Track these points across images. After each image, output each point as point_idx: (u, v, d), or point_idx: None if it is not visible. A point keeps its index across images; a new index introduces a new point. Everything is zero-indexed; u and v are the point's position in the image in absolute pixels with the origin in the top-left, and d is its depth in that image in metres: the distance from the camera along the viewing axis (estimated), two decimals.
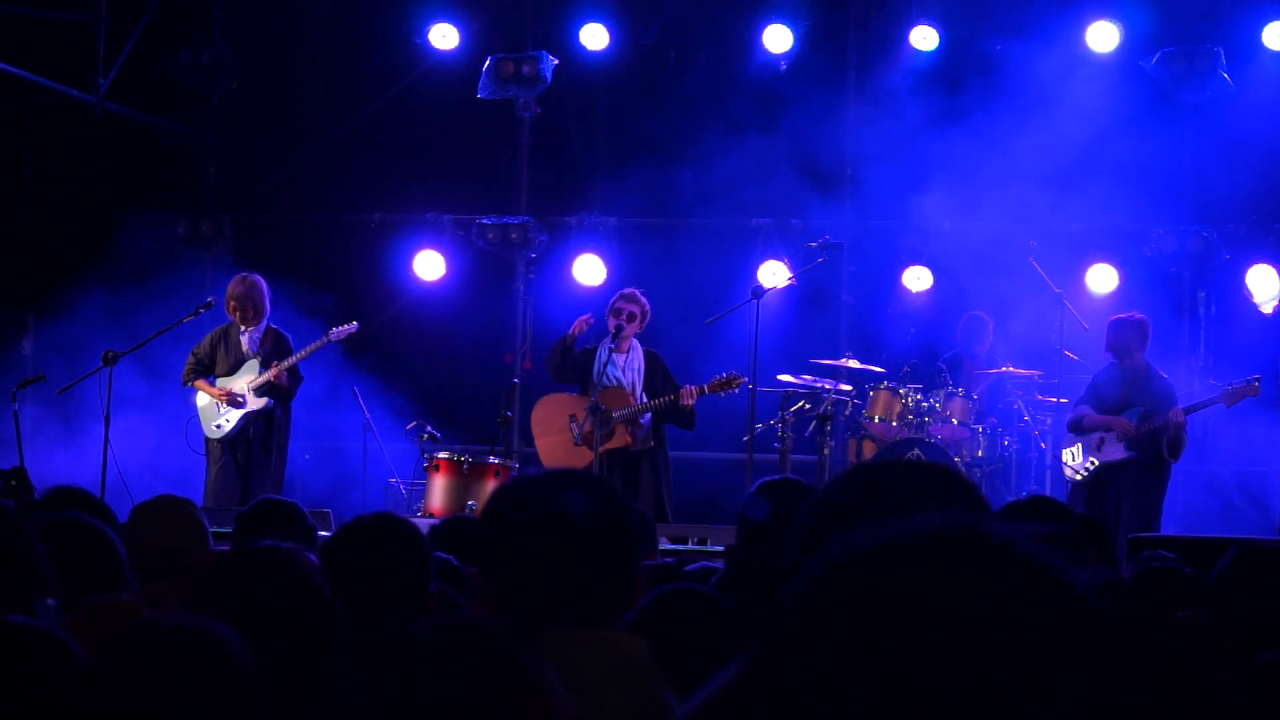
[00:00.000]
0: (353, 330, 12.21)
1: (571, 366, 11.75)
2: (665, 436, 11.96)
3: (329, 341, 12.15)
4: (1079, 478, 11.63)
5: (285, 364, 11.93)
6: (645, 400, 11.63)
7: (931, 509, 2.10)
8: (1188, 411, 11.52)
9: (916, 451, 12.07)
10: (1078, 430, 11.66)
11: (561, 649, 2.63)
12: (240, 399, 11.95)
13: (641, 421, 11.63)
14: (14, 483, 10.18)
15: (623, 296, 11.81)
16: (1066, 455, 11.77)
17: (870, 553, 1.23)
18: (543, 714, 2.19)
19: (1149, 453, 11.39)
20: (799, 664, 1.20)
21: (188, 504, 5.26)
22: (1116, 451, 11.47)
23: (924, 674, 1.15)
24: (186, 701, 2.34)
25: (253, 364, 12.04)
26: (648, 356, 11.84)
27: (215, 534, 9.22)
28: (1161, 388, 11.55)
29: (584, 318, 11.79)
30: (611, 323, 11.63)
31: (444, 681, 2.27)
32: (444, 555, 5.16)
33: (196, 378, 12.19)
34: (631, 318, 11.64)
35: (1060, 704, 1.16)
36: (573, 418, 11.68)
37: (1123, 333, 11.55)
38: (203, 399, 12.15)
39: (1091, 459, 11.58)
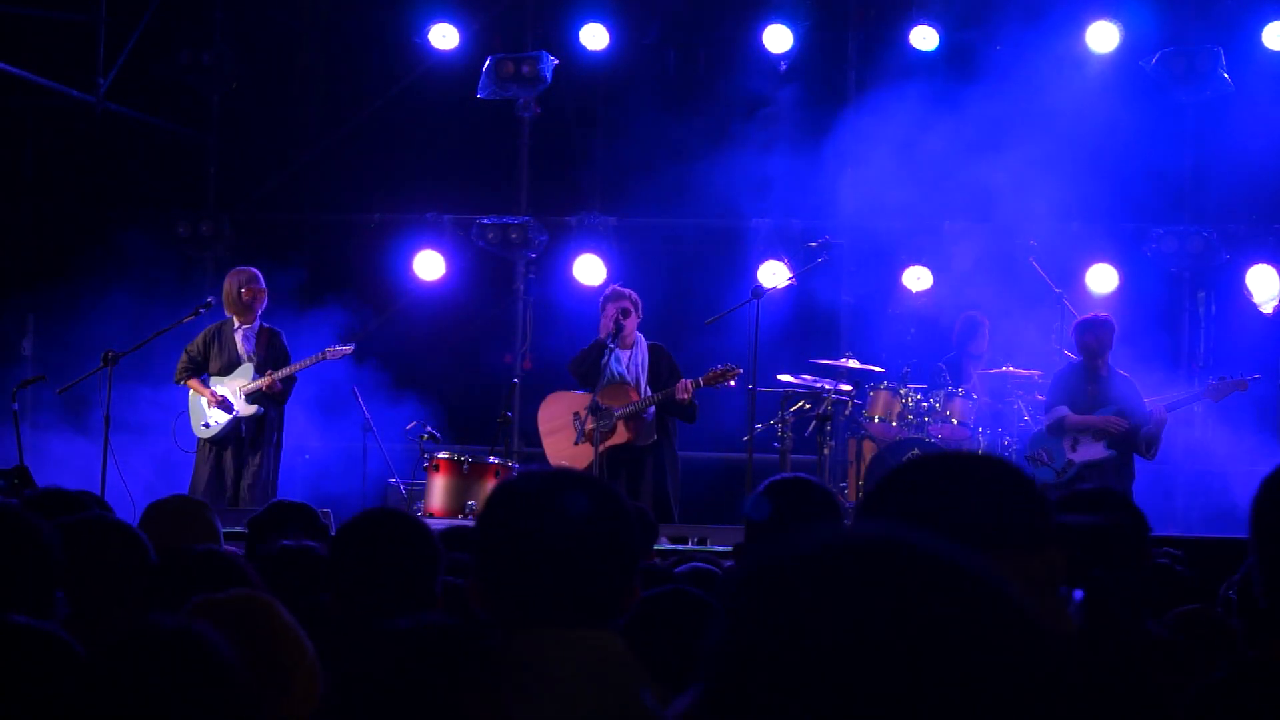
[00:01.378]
0: (348, 352, 12.19)
1: (589, 372, 11.73)
2: (673, 431, 11.92)
3: (324, 359, 12.14)
4: (1055, 479, 11.64)
5: (279, 374, 11.94)
6: (650, 394, 11.63)
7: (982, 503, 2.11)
8: (1171, 409, 11.60)
9: (916, 451, 12.07)
10: (1059, 431, 11.68)
11: (538, 646, 2.63)
12: (230, 405, 11.95)
13: (645, 416, 11.63)
14: (16, 481, 10.18)
15: (610, 297, 11.80)
16: (1039, 455, 11.76)
17: (789, 563, 1.23)
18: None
19: (1126, 450, 11.48)
20: (735, 667, 1.21)
21: (200, 505, 5.27)
22: (1095, 451, 11.51)
23: (849, 684, 1.16)
24: (184, 702, 2.34)
25: (247, 367, 12.04)
26: (652, 350, 11.84)
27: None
28: (1127, 387, 11.63)
29: (614, 324, 11.68)
30: (610, 325, 11.62)
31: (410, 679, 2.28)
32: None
33: (189, 376, 12.18)
34: (626, 313, 11.65)
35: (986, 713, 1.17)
36: (576, 415, 11.68)
37: (1098, 333, 11.57)
38: (194, 397, 12.16)
39: (1069, 459, 11.60)
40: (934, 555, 1.22)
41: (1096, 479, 11.40)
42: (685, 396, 11.49)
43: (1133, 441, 11.47)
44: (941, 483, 2.16)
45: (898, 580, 1.20)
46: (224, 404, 11.96)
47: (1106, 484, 11.20)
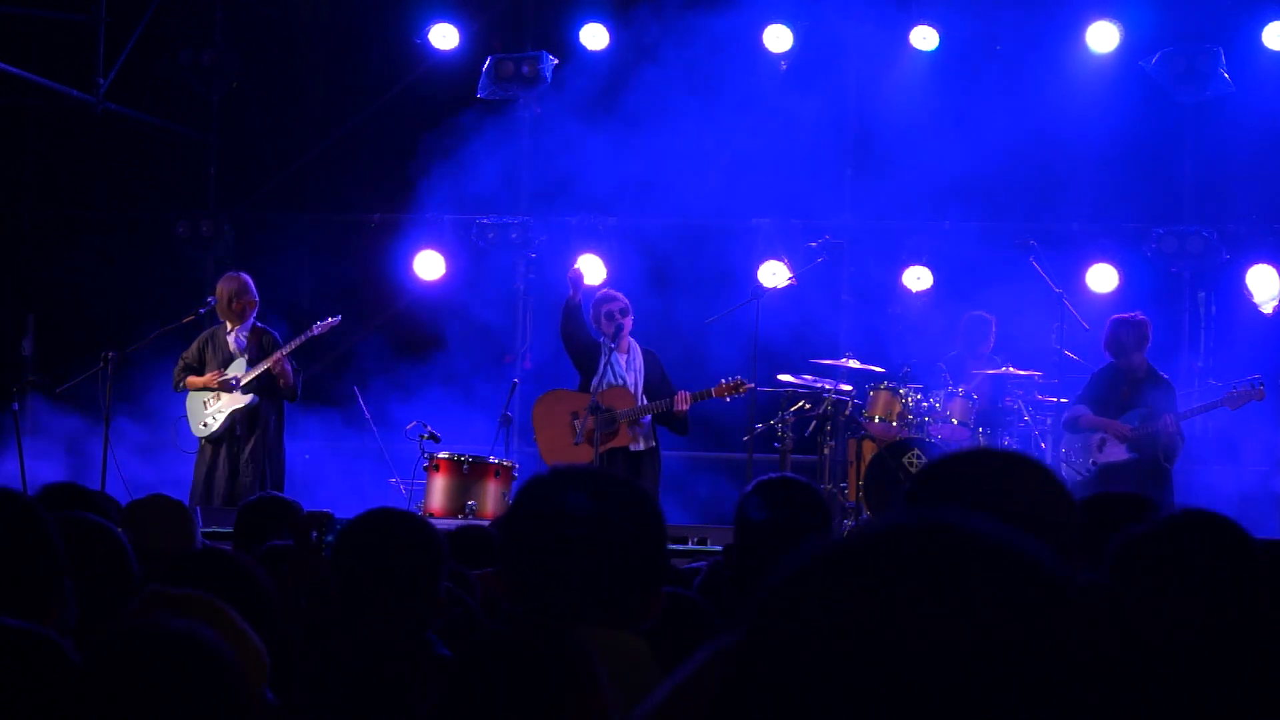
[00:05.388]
0: (335, 323, 12.23)
1: (577, 331, 11.74)
2: (659, 437, 12.00)
3: (313, 335, 12.17)
4: (1079, 478, 11.63)
5: (284, 351, 11.96)
6: (645, 400, 11.67)
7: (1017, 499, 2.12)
8: (1188, 415, 11.56)
9: (916, 451, 12.06)
10: (1074, 430, 11.66)
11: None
12: (233, 381, 11.96)
13: (643, 421, 11.67)
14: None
15: (608, 298, 11.83)
16: (1065, 454, 11.77)
17: (845, 549, 1.22)
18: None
19: (1151, 455, 11.39)
20: (774, 657, 1.19)
21: (178, 504, 5.29)
22: (1118, 453, 11.47)
23: (898, 670, 1.14)
24: (178, 704, 2.34)
25: (240, 363, 12.07)
26: (646, 356, 11.89)
27: (213, 534, 9.24)
28: (1162, 390, 11.54)
29: (574, 272, 11.88)
30: (609, 326, 11.65)
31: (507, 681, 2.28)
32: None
33: (187, 378, 12.19)
34: (625, 313, 11.70)
35: (1041, 699, 1.15)
36: (575, 414, 11.68)
37: (1123, 333, 11.54)
38: (191, 400, 12.16)
39: (1092, 460, 11.57)
40: (994, 541, 1.21)
41: (1118, 481, 11.36)
42: (685, 408, 11.54)
43: (1150, 447, 11.41)
44: (985, 481, 2.17)
45: (960, 568, 1.19)
46: (225, 385, 11.98)
47: (1130, 487, 11.20)
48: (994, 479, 2.22)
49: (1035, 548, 1.21)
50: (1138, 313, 11.87)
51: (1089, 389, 11.72)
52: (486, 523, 7.75)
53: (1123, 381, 11.58)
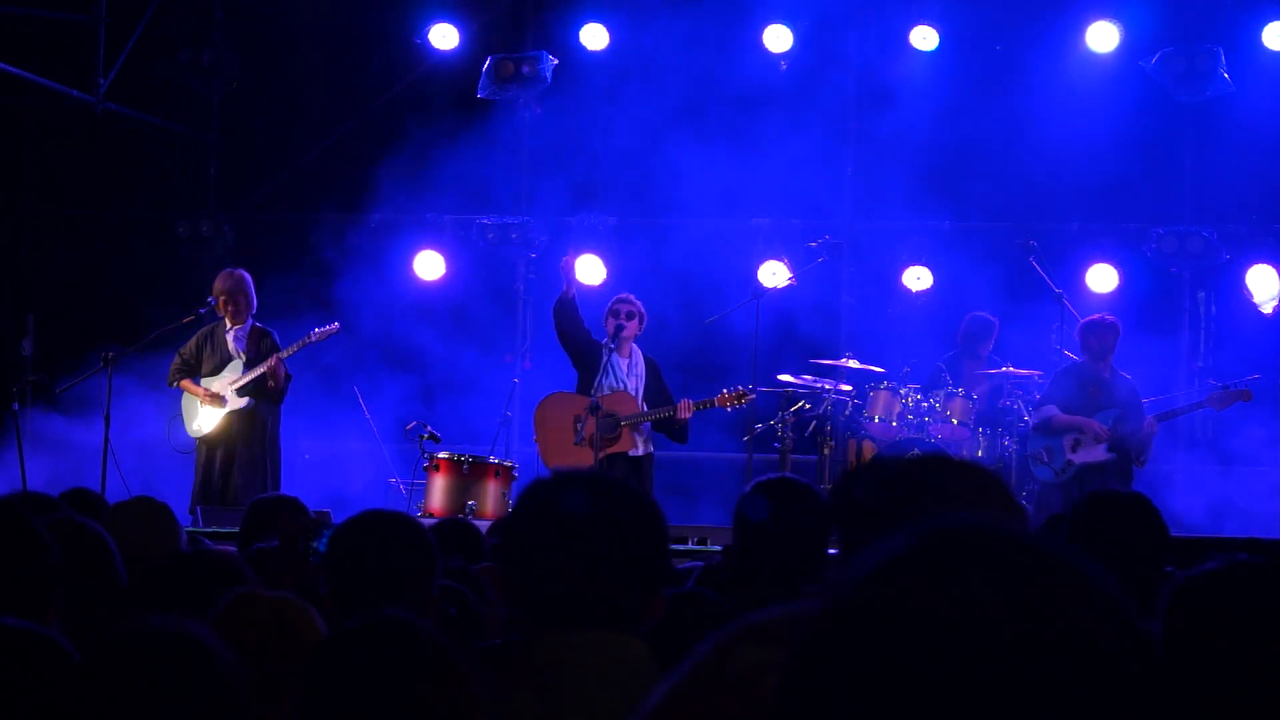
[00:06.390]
0: (334, 330, 12.22)
1: (572, 327, 11.72)
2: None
3: (311, 341, 12.16)
4: (1053, 479, 11.66)
5: (282, 356, 11.95)
6: (645, 407, 11.66)
7: (960, 506, 2.13)
8: (1171, 415, 11.65)
9: (916, 451, 12.05)
10: (1046, 431, 11.70)
11: (562, 651, 2.62)
12: (222, 399, 11.98)
13: (643, 426, 11.67)
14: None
15: (620, 299, 11.82)
16: (1039, 454, 11.78)
17: (901, 557, 1.22)
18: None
19: (1124, 455, 11.50)
20: (825, 663, 1.20)
21: (163, 507, 5.28)
22: (1096, 453, 11.53)
23: (952, 679, 1.15)
24: (173, 703, 2.34)
25: (236, 364, 12.07)
26: (648, 363, 11.86)
27: (212, 534, 9.24)
28: (1129, 390, 11.65)
29: (564, 263, 11.93)
30: (610, 324, 11.64)
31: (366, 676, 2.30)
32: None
33: (182, 378, 12.19)
34: (630, 316, 11.66)
35: (1091, 706, 1.16)
36: (577, 418, 11.66)
37: (1102, 335, 11.61)
38: (186, 399, 12.17)
39: (1068, 460, 11.60)
40: (1035, 546, 1.23)
41: (1096, 481, 11.41)
42: (687, 416, 11.53)
43: (1125, 447, 11.49)
44: (912, 489, 2.18)
45: (1011, 571, 1.20)
46: (217, 399, 11.99)
47: (1110, 485, 11.23)
48: (951, 483, 2.23)
49: (1082, 557, 1.23)
50: (1106, 314, 11.96)
51: (1055, 389, 11.78)
52: (482, 523, 7.75)
53: (1090, 382, 11.65)
